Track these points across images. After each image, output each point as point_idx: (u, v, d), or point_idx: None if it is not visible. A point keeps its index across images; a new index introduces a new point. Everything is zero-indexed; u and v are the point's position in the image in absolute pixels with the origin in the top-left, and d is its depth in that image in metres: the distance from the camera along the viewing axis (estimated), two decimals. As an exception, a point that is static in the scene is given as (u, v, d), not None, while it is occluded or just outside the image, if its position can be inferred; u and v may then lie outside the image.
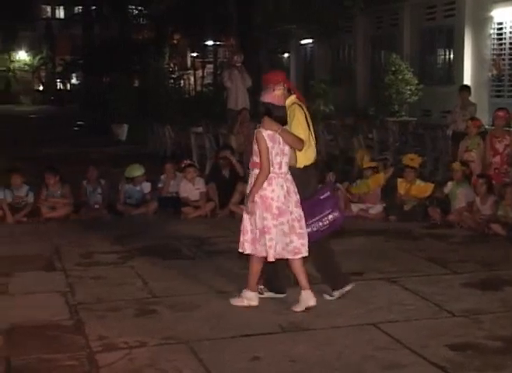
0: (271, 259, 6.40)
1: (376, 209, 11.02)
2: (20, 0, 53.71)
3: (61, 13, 61.62)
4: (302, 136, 6.53)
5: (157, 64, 33.35)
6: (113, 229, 10.26)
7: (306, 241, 6.49)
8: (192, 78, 44.95)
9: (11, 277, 7.66)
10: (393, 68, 22.17)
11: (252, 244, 6.50)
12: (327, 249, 6.86)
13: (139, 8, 39.04)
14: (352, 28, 26.79)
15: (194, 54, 46.33)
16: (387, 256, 8.58)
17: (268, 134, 6.42)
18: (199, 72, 45.12)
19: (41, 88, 62.83)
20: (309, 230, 6.54)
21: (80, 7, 44.08)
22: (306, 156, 6.70)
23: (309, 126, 6.72)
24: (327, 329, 6.04)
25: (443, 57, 22.96)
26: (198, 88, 40.16)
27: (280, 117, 6.50)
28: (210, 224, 10.76)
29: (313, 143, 6.80)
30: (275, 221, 6.38)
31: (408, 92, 22.06)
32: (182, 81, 36.54)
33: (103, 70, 33.71)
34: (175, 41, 40.29)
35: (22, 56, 62.81)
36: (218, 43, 40.15)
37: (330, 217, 6.68)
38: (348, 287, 6.81)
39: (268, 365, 5.27)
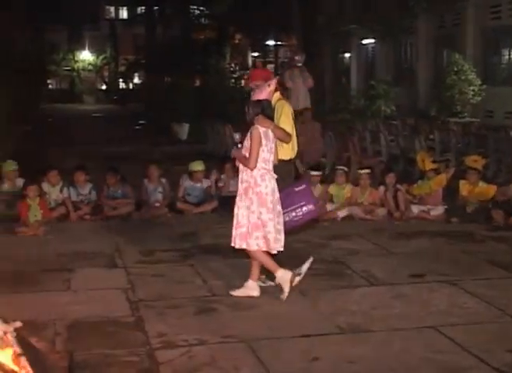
0: (273, 251, 6.73)
1: (438, 210, 10.88)
2: (85, 1, 54.59)
3: (124, 14, 62.35)
4: (289, 130, 6.91)
5: (218, 64, 33.51)
6: (174, 227, 10.36)
7: (282, 237, 6.78)
8: (253, 78, 45.00)
9: (73, 273, 7.78)
10: (455, 68, 21.89)
11: (241, 239, 6.80)
12: None
13: (201, 8, 39.26)
14: (414, 28, 26.53)
15: (255, 54, 46.44)
16: (449, 259, 8.47)
17: (263, 131, 6.66)
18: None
19: (104, 87, 63.65)
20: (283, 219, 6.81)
21: (143, 7, 44.54)
22: (289, 150, 7.08)
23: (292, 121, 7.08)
24: (386, 331, 5.99)
25: (507, 57, 22.57)
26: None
27: (271, 114, 6.83)
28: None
29: (295, 139, 7.11)
30: (271, 215, 6.66)
31: (471, 93, 21.76)
32: (243, 81, 36.65)
33: (164, 69, 34.01)
34: (236, 41, 40.44)
35: (86, 56, 63.78)
36: (279, 42, 40.15)
37: (304, 209, 6.98)
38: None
39: (326, 366, 5.26)
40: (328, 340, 5.78)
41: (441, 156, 14.81)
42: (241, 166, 6.82)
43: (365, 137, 17.13)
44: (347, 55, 34.97)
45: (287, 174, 7.10)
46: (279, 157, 6.95)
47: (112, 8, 64.12)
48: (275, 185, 6.75)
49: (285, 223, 6.83)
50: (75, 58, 62.76)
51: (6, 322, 3.84)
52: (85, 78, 62.84)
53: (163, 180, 11.59)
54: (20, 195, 10.57)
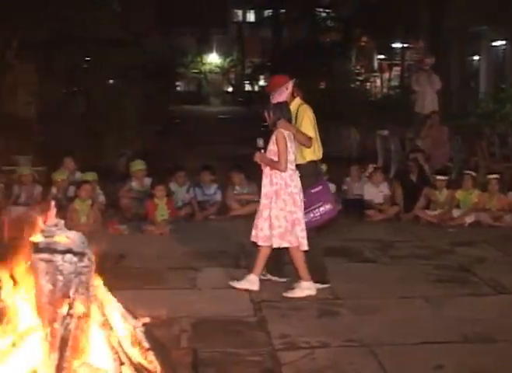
0: (304, 248, 7.00)
1: None
2: (214, 5, 55.53)
3: (251, 17, 62.98)
4: (311, 135, 7.22)
5: (343, 67, 33.34)
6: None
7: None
8: (378, 81, 44.59)
9: (199, 272, 7.94)
10: None
11: (281, 238, 6.95)
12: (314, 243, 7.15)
13: (327, 10, 39.17)
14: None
15: (381, 57, 45.94)
16: None
17: (287, 134, 6.95)
18: (386, 75, 44.68)
19: (230, 89, 64.51)
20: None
21: (270, 10, 44.83)
22: (313, 153, 7.37)
23: (315, 125, 7.39)
24: (513, 342, 5.82)
25: None
26: (385, 90, 39.77)
27: (290, 116, 7.15)
28: (394, 228, 10.66)
29: (319, 142, 7.47)
30: (302, 213, 7.00)
31: None
32: (368, 84, 36.31)
33: (290, 72, 34.12)
34: (362, 43, 40.12)
35: (213, 59, 64.81)
36: (405, 45, 39.57)
37: (321, 209, 7.27)
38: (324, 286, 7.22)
39: (450, 375, 5.16)
40: (452, 349, 5.66)
41: None
42: (267, 170, 7.06)
43: (493, 142, 16.66)
44: (476, 57, 34.09)
45: (310, 175, 7.33)
46: (305, 158, 7.29)
47: (240, 12, 64.90)
48: (301, 184, 7.05)
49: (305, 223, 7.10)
50: (203, 61, 63.89)
51: (135, 317, 3.95)
52: (212, 80, 63.86)
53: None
54: (148, 194, 10.87)
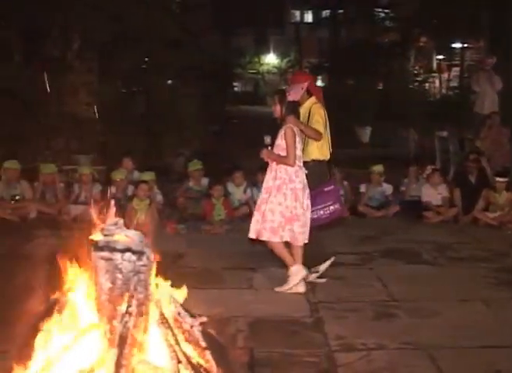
0: (300, 243, 7.16)
1: None
2: (271, 6, 55.60)
3: (309, 17, 62.88)
4: (322, 130, 7.56)
5: (402, 67, 33.07)
6: (355, 230, 10.35)
7: (307, 230, 7.21)
8: (437, 81, 44.11)
9: (255, 273, 7.97)
10: None
11: (272, 232, 7.07)
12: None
13: (386, 10, 38.90)
14: None
15: (440, 57, 45.44)
16: None
17: (296, 130, 7.11)
18: (445, 75, 44.19)
19: (287, 90, 64.44)
20: (311, 216, 7.30)
21: (328, 11, 44.67)
22: (320, 151, 7.70)
23: (326, 125, 7.70)
24: None
25: None
26: (443, 91, 39.33)
27: (299, 114, 7.39)
28: (452, 230, 10.54)
29: (328, 141, 7.82)
30: (302, 210, 7.06)
31: None
32: (427, 84, 35.94)
33: (348, 72, 33.96)
34: (421, 44, 39.74)
35: (270, 59, 64.90)
36: (465, 45, 39.08)
37: (331, 208, 7.61)
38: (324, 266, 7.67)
39: (510, 379, 5.08)
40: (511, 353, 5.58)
41: None
42: (274, 165, 7.14)
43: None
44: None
45: (321, 173, 7.70)
46: (315, 157, 7.65)
47: (297, 12, 64.86)
48: (306, 180, 7.18)
49: (313, 220, 7.35)
50: (261, 61, 64.04)
51: (193, 316, 3.98)
52: (269, 80, 63.95)
53: (345, 183, 11.61)
54: (205, 194, 10.94)
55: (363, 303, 6.83)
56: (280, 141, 7.12)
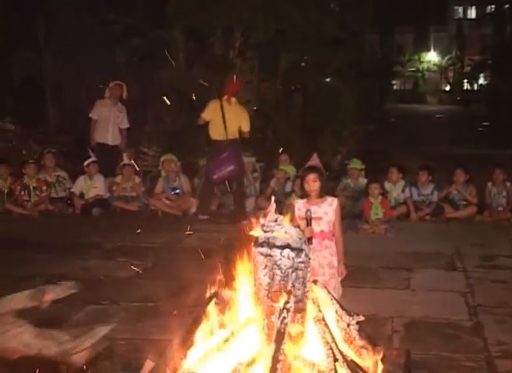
0: None
1: None
2: (433, 2, 54.61)
3: (472, 13, 61.28)
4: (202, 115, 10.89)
5: None
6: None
7: None
8: None
9: (412, 273, 7.84)
10: None
11: None
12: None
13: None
14: None
15: None
16: None
17: None
18: None
19: (448, 88, 63.13)
20: (215, 176, 10.68)
21: (493, 6, 43.40)
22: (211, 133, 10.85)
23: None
24: None
25: None
26: None
27: None
28: None
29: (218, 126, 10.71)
30: None
31: None
32: None
33: (512, 70, 32.88)
34: None
35: (431, 56, 63.75)
36: None
37: (228, 168, 10.60)
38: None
39: None
40: None
41: None
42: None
43: None
44: None
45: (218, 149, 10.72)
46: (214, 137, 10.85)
47: (460, 8, 63.34)
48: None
49: (216, 179, 10.73)
50: (421, 59, 63.03)
51: (350, 315, 3.97)
52: (428, 78, 62.86)
53: (508, 184, 11.23)
54: (363, 193, 10.89)
55: (526, 308, 6.58)
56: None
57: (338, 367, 3.63)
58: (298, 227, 5.41)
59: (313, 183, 5.84)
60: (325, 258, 5.89)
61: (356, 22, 17.85)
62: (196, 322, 3.84)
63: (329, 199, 5.99)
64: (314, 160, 6.04)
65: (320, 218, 5.86)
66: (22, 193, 11.81)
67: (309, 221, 5.66)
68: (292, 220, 3.93)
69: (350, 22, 17.10)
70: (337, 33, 15.48)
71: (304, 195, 6.00)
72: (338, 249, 5.98)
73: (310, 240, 5.33)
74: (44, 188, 11.89)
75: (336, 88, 16.90)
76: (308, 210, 5.68)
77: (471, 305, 6.71)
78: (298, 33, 14.64)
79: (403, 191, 11.22)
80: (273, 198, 4.00)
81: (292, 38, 14.83)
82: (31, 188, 11.80)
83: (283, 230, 3.69)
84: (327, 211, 5.90)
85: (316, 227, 5.82)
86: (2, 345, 3.81)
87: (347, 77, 17.60)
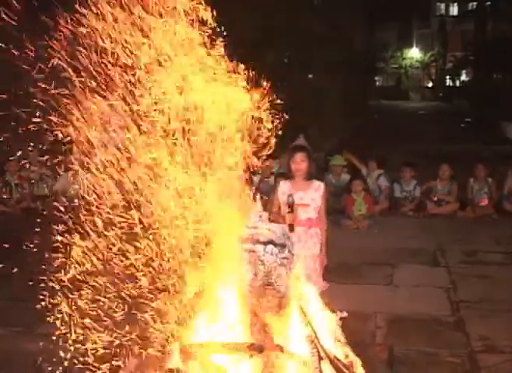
0: None
1: None
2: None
3: (454, 10, 61.48)
4: None
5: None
6: (500, 228, 10.03)
7: None
8: None
9: (395, 269, 7.86)
10: None
11: None
12: None
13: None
14: None
15: None
16: None
17: None
18: None
19: (430, 84, 63.31)
20: None
21: (474, 3, 43.57)
22: None
23: None
24: None
25: None
26: None
27: None
28: None
29: None
30: None
31: None
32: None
33: (494, 67, 33.00)
34: None
35: (413, 53, 63.92)
36: None
37: None
38: None
39: None
40: None
41: None
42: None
43: None
44: None
45: None
46: None
47: (442, 5, 63.53)
48: None
49: None
50: (403, 56, 63.18)
51: (333, 311, 3.97)
52: (411, 75, 63.03)
53: (490, 180, 11.27)
54: (345, 189, 10.89)
55: (508, 303, 6.61)
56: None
57: (323, 365, 3.63)
58: (279, 208, 5.41)
59: (301, 162, 5.68)
60: (309, 249, 5.76)
61: (340, 20, 17.89)
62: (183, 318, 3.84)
63: (315, 183, 5.86)
64: (301, 141, 5.91)
65: (307, 205, 5.75)
66: (4, 190, 11.73)
67: (291, 207, 5.50)
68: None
69: (335, 19, 17.12)
70: (319, 29, 15.50)
71: (289, 176, 5.82)
72: (322, 237, 5.88)
73: (291, 227, 5.28)
74: (26, 185, 11.80)
75: (320, 85, 16.92)
76: (290, 196, 5.51)
77: (454, 300, 6.75)
78: (282, 30, 14.64)
79: (377, 179, 11.32)
80: (258, 195, 3.99)
81: (276, 35, 14.83)
82: (13, 185, 11.72)
83: (266, 227, 3.69)
84: (314, 198, 5.79)
85: (303, 214, 5.71)
86: None
87: (331, 73, 17.63)
